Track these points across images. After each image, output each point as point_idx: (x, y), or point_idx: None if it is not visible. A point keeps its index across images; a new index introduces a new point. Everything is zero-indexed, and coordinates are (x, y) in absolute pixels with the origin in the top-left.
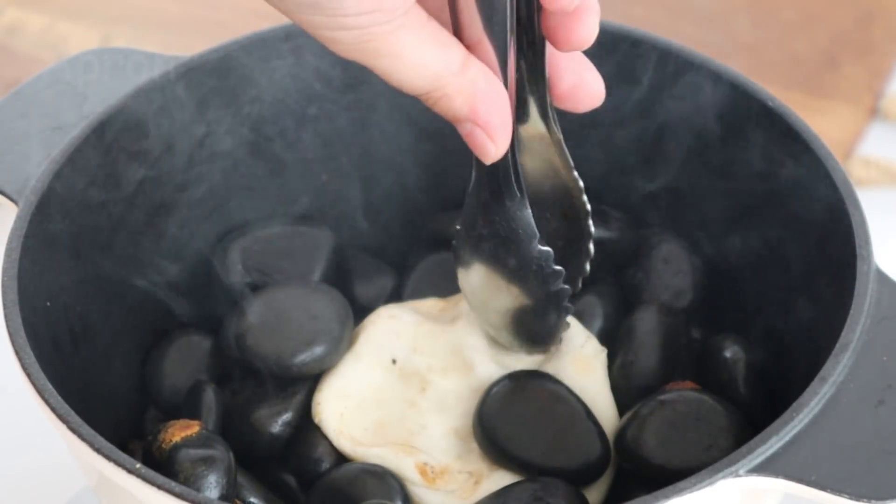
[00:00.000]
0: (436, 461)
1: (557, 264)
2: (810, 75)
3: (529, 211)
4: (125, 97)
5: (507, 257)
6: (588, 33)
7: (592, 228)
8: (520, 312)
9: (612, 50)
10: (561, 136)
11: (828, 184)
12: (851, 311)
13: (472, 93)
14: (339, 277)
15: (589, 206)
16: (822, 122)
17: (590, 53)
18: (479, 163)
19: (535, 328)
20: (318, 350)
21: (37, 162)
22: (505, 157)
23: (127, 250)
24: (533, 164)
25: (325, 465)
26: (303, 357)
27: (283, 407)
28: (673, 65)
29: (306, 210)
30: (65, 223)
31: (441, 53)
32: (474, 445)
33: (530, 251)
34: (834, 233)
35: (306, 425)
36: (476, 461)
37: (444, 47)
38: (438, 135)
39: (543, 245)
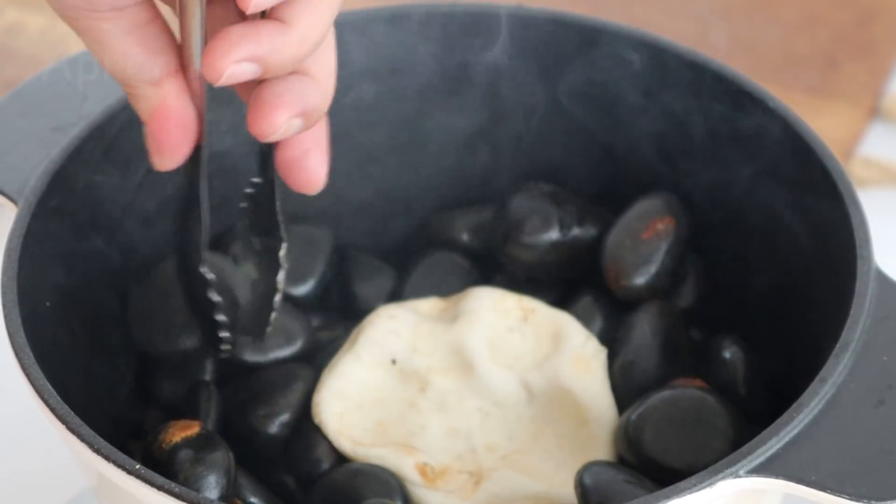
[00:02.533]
0: (436, 461)
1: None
2: (810, 75)
3: (204, 237)
4: (125, 97)
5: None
6: (320, 173)
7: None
8: None
9: (612, 50)
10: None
11: (828, 184)
12: (851, 311)
13: (155, 108)
14: (339, 277)
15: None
16: (822, 122)
17: (590, 54)
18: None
19: None
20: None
21: (37, 162)
22: (192, 177)
23: (127, 250)
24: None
25: (325, 465)
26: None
27: (281, 407)
28: (673, 65)
29: (306, 210)
30: (65, 223)
31: (143, 58)
32: (475, 445)
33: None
34: (834, 233)
35: (305, 425)
36: (476, 461)
37: (150, 55)
38: (440, 134)
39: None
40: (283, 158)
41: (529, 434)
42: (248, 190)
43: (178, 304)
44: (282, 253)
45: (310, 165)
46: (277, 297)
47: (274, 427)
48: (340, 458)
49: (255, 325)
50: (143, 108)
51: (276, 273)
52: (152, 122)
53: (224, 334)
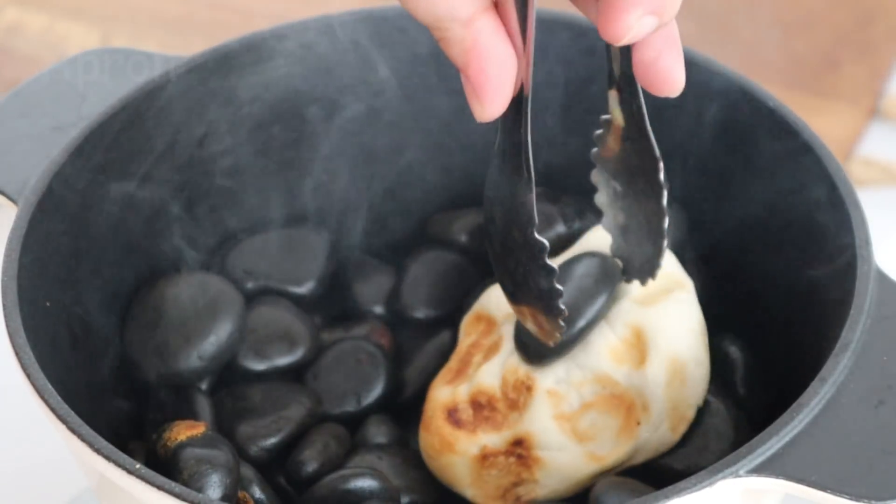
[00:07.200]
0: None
1: (629, 244)
2: (810, 75)
3: (533, 195)
4: (125, 97)
5: (508, 240)
6: (677, 73)
7: (666, 203)
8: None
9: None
10: (642, 107)
11: (828, 184)
12: (851, 311)
13: (470, 48)
14: (339, 278)
15: (665, 188)
16: (822, 122)
17: (591, 54)
18: (500, 134)
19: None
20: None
21: (37, 162)
22: (512, 132)
23: (126, 250)
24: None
25: (311, 469)
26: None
27: (269, 431)
28: None
29: (306, 210)
30: (65, 223)
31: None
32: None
33: (525, 237)
34: (834, 233)
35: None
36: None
37: None
38: (439, 135)
39: (540, 237)
40: (639, 61)
41: None
42: (605, 117)
43: (171, 328)
44: (661, 174)
45: (666, 66)
46: (665, 224)
47: (254, 450)
48: (331, 465)
49: (646, 264)
50: (457, 53)
51: (660, 198)
52: (469, 67)
53: (561, 310)
